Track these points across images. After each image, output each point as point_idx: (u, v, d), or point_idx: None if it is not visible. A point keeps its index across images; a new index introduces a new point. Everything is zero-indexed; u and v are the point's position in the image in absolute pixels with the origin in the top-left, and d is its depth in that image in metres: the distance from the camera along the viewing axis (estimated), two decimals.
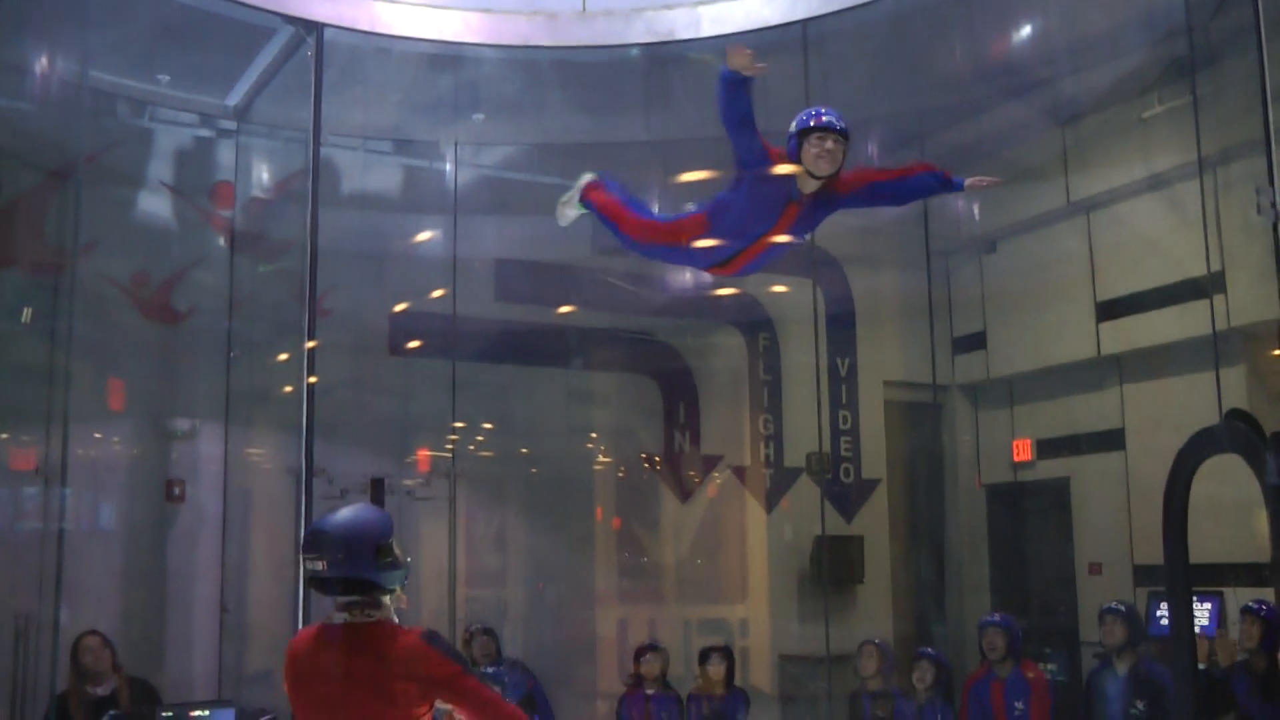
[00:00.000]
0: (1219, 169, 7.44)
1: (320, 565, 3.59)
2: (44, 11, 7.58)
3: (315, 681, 3.63)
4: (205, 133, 9.08)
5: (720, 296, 9.69)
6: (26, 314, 8.26)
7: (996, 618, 8.17)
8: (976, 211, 10.02)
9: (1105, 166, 9.11)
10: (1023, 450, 10.21)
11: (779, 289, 10.02)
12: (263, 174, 9.22)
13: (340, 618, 3.65)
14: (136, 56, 8.33)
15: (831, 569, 9.81)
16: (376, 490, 8.09)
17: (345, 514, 3.70)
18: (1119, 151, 9.04)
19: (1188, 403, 8.28)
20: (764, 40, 7.43)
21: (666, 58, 8.06)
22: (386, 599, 3.70)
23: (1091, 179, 9.21)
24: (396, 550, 3.70)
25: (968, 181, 5.19)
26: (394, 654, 3.59)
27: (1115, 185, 9.05)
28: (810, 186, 5.08)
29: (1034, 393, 10.19)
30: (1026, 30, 8.26)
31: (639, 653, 8.55)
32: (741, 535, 10.39)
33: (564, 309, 9.97)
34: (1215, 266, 7.51)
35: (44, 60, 7.87)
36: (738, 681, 8.54)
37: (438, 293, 9.14)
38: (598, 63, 7.99)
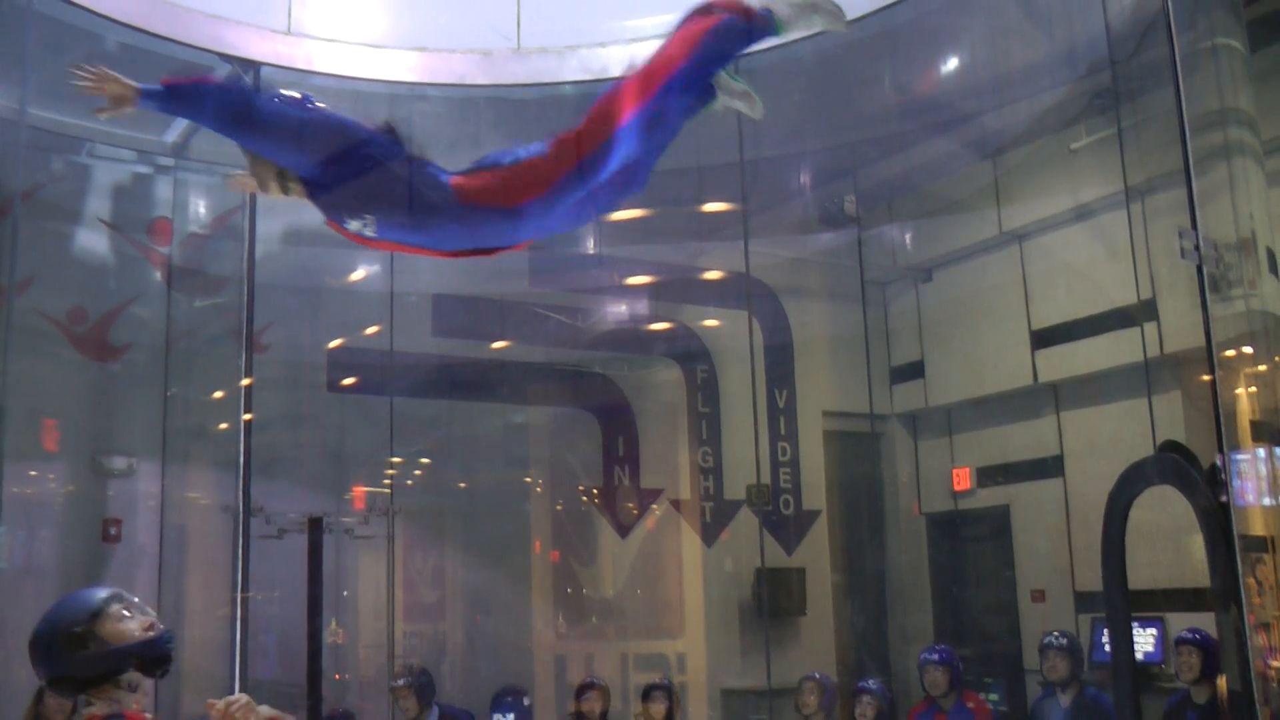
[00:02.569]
0: (1146, 198, 7.51)
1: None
2: None
3: None
4: (143, 169, 9.05)
5: (656, 331, 9.74)
6: None
7: (936, 655, 8.12)
8: (909, 241, 10.14)
9: (1035, 197, 9.25)
10: (962, 479, 10.28)
11: (713, 322, 10.10)
12: (200, 210, 9.19)
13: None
14: (74, 93, 8.29)
15: (773, 601, 9.83)
16: (314, 529, 8.02)
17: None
18: (1048, 182, 9.17)
19: (1124, 428, 8.39)
20: None
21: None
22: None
23: (1022, 209, 9.33)
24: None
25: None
26: None
27: (1045, 215, 9.19)
28: None
29: (973, 421, 10.27)
30: (954, 64, 8.38)
31: (580, 690, 8.55)
32: (680, 568, 10.39)
33: (501, 344, 9.98)
34: (1145, 294, 7.63)
35: None
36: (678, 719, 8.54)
37: (373, 329, 9.14)
38: (532, 100, 8.01)
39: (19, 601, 8.10)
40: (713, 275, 9.78)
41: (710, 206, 8.72)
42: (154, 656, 3.35)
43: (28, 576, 8.38)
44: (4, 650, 7.50)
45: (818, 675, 8.55)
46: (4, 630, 7.50)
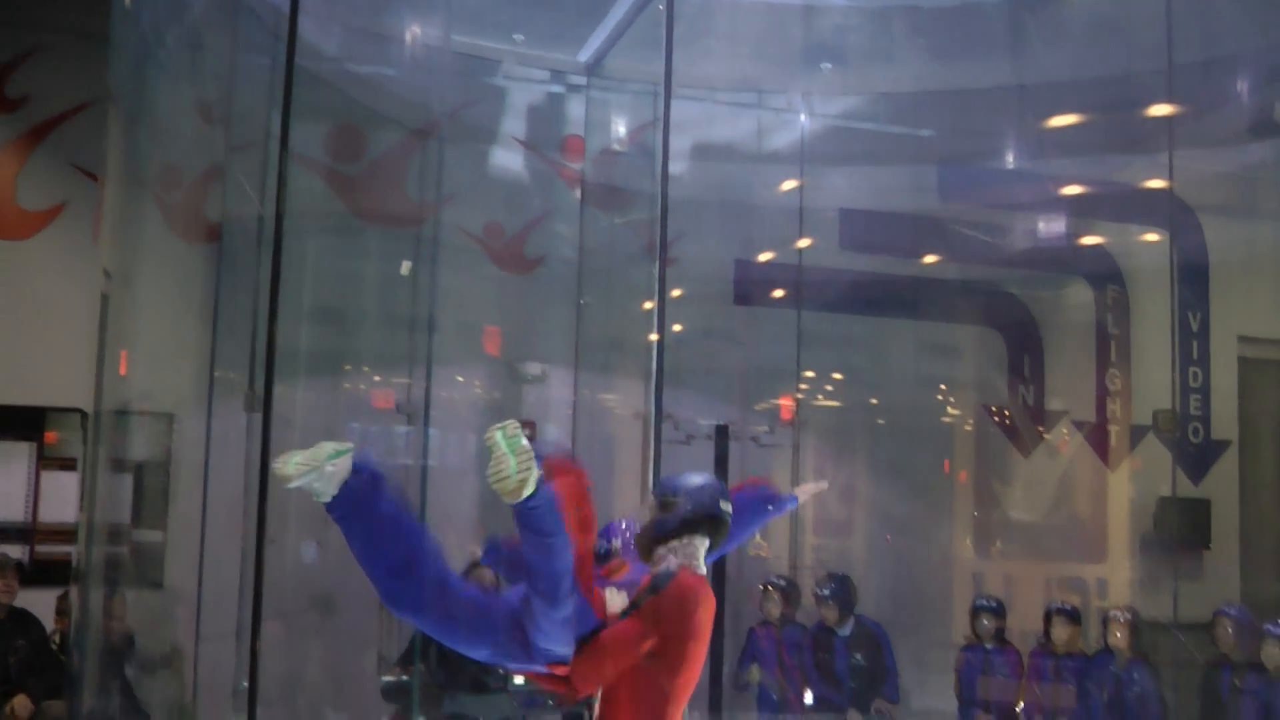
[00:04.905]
0: None
1: (730, 510, 3.89)
2: None
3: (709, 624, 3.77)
4: (556, 88, 9.39)
5: (1068, 249, 9.43)
6: (406, 267, 8.73)
7: None
8: None
9: None
10: None
11: (1128, 241, 9.68)
12: (613, 127, 9.46)
13: (698, 566, 3.82)
14: (494, 18, 8.69)
15: (1178, 531, 9.45)
16: (721, 437, 8.24)
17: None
18: None
19: None
20: None
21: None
22: None
23: None
24: None
25: (798, 491, 4.83)
26: None
27: None
28: None
29: None
30: None
31: (975, 612, 8.52)
32: (1088, 492, 10.12)
33: (911, 259, 9.90)
34: None
35: (411, 27, 8.28)
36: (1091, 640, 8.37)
37: (803, 242, 9.19)
38: (951, 7, 7.85)
39: (451, 493, 8.69)
40: (1131, 190, 9.38)
41: (1134, 115, 8.31)
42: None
43: (460, 474, 8.93)
44: (442, 536, 8.04)
45: (1233, 611, 8.18)
46: (437, 525, 8.05)
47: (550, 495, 3.45)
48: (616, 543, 4.16)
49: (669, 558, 3.76)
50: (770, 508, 4.70)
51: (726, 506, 3.85)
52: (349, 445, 3.58)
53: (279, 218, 5.75)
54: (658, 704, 3.66)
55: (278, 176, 5.73)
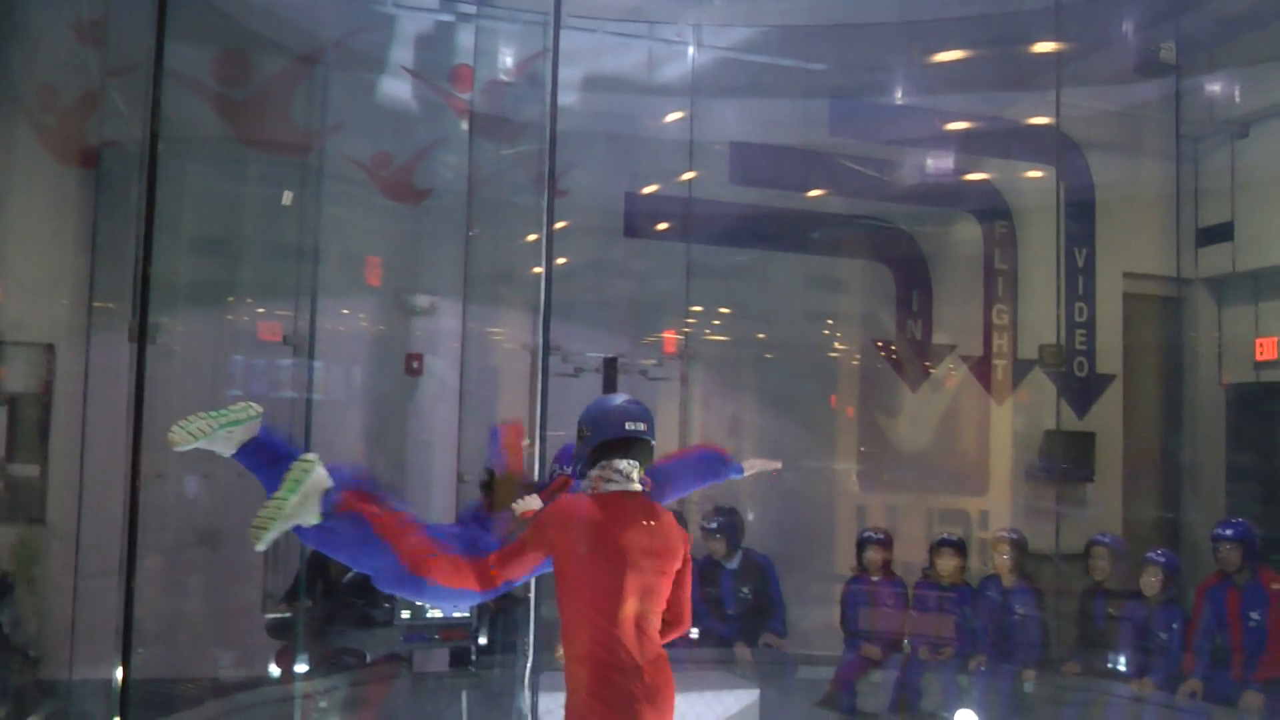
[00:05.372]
0: None
1: (642, 427, 3.99)
2: None
3: (612, 543, 3.82)
4: (446, 17, 9.21)
5: (957, 184, 9.47)
6: (288, 196, 8.57)
7: (1231, 530, 7.69)
8: (1228, 94, 9.52)
9: None
10: (1268, 349, 9.77)
11: (1016, 177, 9.75)
12: (502, 57, 9.32)
13: (608, 488, 3.92)
14: None
15: (1062, 464, 9.61)
16: (610, 369, 8.22)
17: (633, 399, 4.13)
18: None
19: None
20: None
21: None
22: None
23: None
24: None
25: (745, 465, 4.82)
26: (668, 525, 3.97)
27: None
28: None
29: None
30: None
31: (861, 544, 8.60)
32: (975, 426, 10.25)
33: (800, 193, 9.88)
34: None
35: None
36: (974, 572, 8.50)
37: (687, 175, 9.13)
38: None
39: (335, 427, 8.59)
40: (1019, 127, 9.43)
41: (1022, 52, 8.35)
42: None
43: (343, 406, 8.83)
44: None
45: (1107, 539, 8.35)
46: (324, 452, 7.95)
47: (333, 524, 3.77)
48: (568, 468, 4.35)
49: (602, 481, 3.93)
50: (715, 472, 4.79)
51: (633, 426, 3.95)
52: (253, 412, 3.79)
53: (153, 139, 5.64)
54: (567, 620, 3.86)
55: (151, 99, 5.59)
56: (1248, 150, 9.74)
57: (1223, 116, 9.78)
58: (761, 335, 10.31)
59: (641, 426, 3.97)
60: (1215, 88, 9.60)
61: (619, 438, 3.93)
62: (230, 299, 8.92)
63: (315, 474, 3.73)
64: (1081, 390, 9.96)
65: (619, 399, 4.10)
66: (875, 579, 8.46)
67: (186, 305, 8.43)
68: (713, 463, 4.76)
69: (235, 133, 8.84)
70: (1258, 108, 9.55)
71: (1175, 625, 7.69)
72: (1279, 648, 7.27)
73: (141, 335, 5.74)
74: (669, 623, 3.98)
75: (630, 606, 3.81)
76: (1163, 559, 7.94)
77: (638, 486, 3.96)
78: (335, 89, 8.55)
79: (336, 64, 8.56)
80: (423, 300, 9.13)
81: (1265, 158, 9.58)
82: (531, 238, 7.99)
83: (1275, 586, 7.46)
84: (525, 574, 4.04)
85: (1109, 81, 9.42)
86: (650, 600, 3.86)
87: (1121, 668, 7.86)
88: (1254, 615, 7.40)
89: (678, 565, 3.97)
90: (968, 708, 7.75)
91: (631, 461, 3.94)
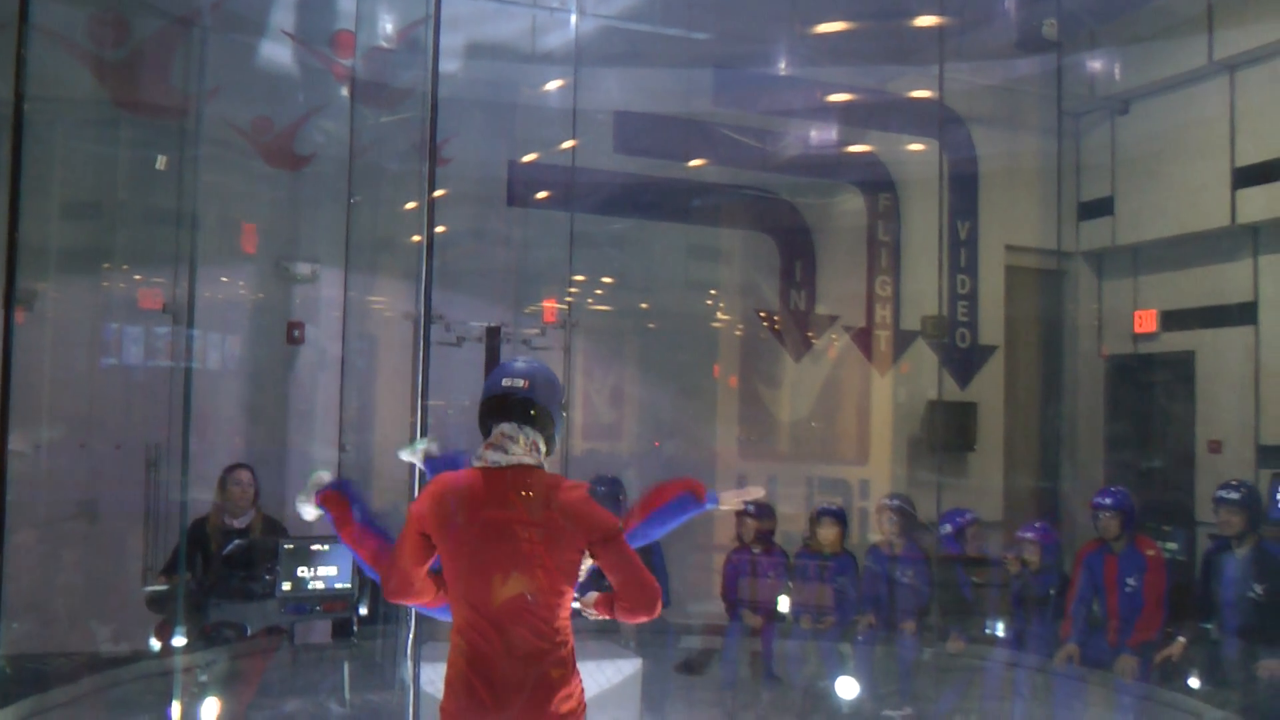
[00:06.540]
0: None
1: (522, 384, 3.74)
2: None
3: (476, 515, 3.61)
4: None
5: (841, 156, 9.50)
6: (161, 161, 8.38)
7: (1109, 499, 7.73)
8: (1109, 70, 9.66)
9: (1253, 22, 8.65)
10: (1146, 321, 9.97)
11: (899, 149, 9.80)
12: (384, 23, 9.17)
13: (493, 459, 3.67)
14: None
15: (944, 434, 9.73)
16: (492, 338, 8.15)
17: (533, 361, 3.93)
18: (1269, 6, 8.56)
19: None
20: None
21: None
22: (544, 450, 3.78)
23: (1237, 36, 8.79)
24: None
25: (721, 496, 4.56)
26: (560, 499, 3.63)
27: (1263, 43, 8.61)
28: None
29: (1161, 262, 9.93)
30: None
31: (740, 513, 8.59)
32: (857, 396, 10.33)
33: (684, 163, 9.86)
34: None
35: None
36: (855, 542, 8.55)
37: (568, 144, 9.05)
38: None
39: (214, 396, 8.44)
40: (902, 100, 9.48)
41: (905, 25, 8.39)
42: None
43: (222, 376, 8.69)
44: (205, 441, 7.86)
45: (895, 503, 8.42)
46: (200, 425, 7.83)
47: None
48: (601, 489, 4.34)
49: (486, 450, 3.70)
50: (688, 510, 4.44)
51: (510, 382, 3.73)
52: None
53: (19, 100, 5.47)
54: (450, 593, 3.68)
55: (15, 57, 5.44)
56: (1128, 126, 9.92)
57: (1104, 93, 9.94)
58: (644, 305, 10.29)
59: (520, 383, 3.72)
60: (1096, 64, 9.75)
61: (493, 394, 3.72)
62: (106, 265, 8.72)
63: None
64: (963, 361, 10.09)
65: (515, 360, 3.92)
66: (756, 550, 8.47)
67: (60, 271, 8.23)
68: (686, 503, 4.40)
69: (111, 94, 8.62)
70: (1138, 84, 9.72)
71: (1052, 591, 7.84)
72: (1153, 613, 7.41)
73: (8, 302, 5.58)
74: (624, 607, 3.67)
75: (501, 587, 3.55)
76: (1038, 535, 8.07)
77: (519, 452, 3.67)
78: (214, 52, 8.36)
79: (215, 26, 8.37)
80: (304, 268, 8.99)
81: (1145, 134, 9.76)
82: (412, 205, 7.90)
83: (1150, 553, 7.59)
84: (421, 564, 3.71)
85: (992, 56, 9.52)
86: (534, 581, 3.56)
87: (1000, 634, 7.99)
88: (1130, 581, 7.51)
89: (581, 544, 3.61)
90: (848, 675, 7.82)
91: (513, 424, 3.68)
